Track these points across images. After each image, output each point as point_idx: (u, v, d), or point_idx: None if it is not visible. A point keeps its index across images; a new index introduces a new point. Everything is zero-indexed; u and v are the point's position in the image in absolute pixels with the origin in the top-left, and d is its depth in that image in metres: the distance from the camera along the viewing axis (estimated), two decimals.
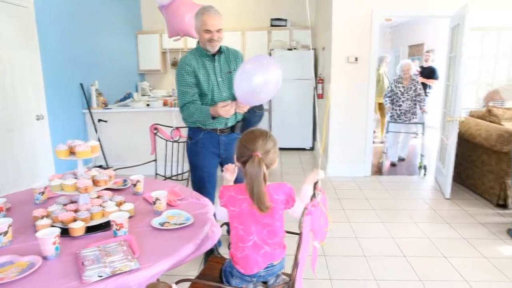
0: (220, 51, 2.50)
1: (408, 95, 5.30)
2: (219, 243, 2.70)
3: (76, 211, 1.73)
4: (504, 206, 3.87)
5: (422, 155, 5.30)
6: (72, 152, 1.79)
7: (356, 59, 4.66)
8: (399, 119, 5.47)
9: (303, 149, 6.51)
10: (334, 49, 4.67)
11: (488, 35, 5.44)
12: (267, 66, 2.09)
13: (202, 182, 2.59)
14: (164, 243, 1.56)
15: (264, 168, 1.46)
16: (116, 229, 1.59)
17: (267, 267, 1.60)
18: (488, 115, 4.41)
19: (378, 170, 5.31)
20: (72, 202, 1.85)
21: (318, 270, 2.69)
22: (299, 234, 1.42)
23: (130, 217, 1.73)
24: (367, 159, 5.00)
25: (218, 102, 2.40)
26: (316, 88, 5.81)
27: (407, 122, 5.45)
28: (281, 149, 6.16)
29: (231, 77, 2.41)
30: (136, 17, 6.98)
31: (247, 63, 2.14)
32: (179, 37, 3.10)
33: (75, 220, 1.66)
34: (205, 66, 2.45)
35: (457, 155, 4.42)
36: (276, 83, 2.12)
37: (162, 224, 1.73)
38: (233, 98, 2.39)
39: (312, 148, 6.51)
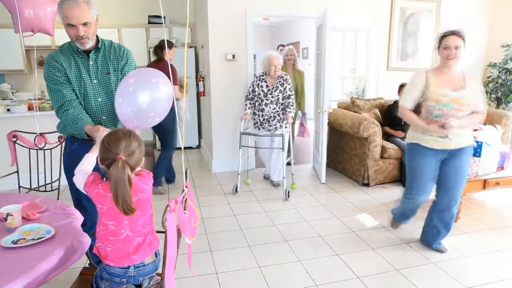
0: (98, 47, 2.12)
1: (272, 97, 4.14)
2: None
3: None
4: (367, 185, 4.41)
5: (284, 178, 4.09)
6: None
7: (234, 56, 4.78)
8: (262, 128, 4.25)
9: (190, 147, 6.48)
10: (212, 47, 4.72)
11: (349, 35, 6.13)
12: (154, 79, 1.77)
13: (78, 199, 2.29)
14: (15, 263, 1.39)
15: (128, 172, 1.40)
16: None
17: (138, 267, 1.54)
18: (352, 106, 4.96)
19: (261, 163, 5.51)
20: None
21: (204, 266, 2.71)
22: (165, 232, 1.40)
23: None
24: (249, 152, 5.17)
25: (93, 107, 2.11)
26: (198, 85, 5.82)
27: (272, 133, 4.17)
28: None
29: (110, 80, 2.13)
30: None
31: (128, 77, 1.80)
32: (31, 33, 2.75)
33: None
34: (78, 65, 2.07)
35: (329, 143, 4.88)
36: (169, 99, 1.82)
37: (15, 242, 1.54)
38: (110, 104, 2.10)
39: (198, 146, 6.52)
